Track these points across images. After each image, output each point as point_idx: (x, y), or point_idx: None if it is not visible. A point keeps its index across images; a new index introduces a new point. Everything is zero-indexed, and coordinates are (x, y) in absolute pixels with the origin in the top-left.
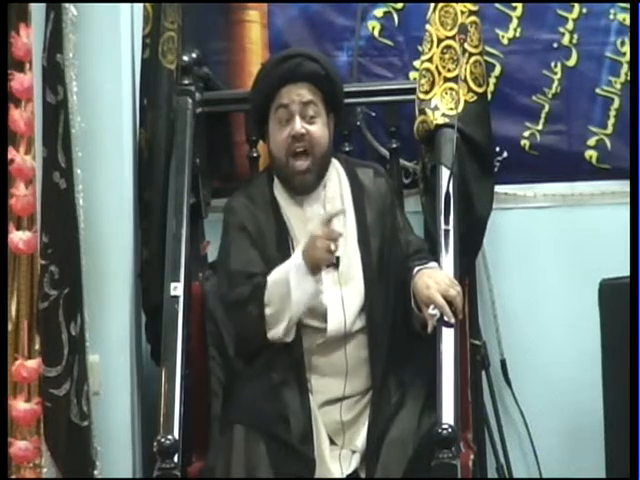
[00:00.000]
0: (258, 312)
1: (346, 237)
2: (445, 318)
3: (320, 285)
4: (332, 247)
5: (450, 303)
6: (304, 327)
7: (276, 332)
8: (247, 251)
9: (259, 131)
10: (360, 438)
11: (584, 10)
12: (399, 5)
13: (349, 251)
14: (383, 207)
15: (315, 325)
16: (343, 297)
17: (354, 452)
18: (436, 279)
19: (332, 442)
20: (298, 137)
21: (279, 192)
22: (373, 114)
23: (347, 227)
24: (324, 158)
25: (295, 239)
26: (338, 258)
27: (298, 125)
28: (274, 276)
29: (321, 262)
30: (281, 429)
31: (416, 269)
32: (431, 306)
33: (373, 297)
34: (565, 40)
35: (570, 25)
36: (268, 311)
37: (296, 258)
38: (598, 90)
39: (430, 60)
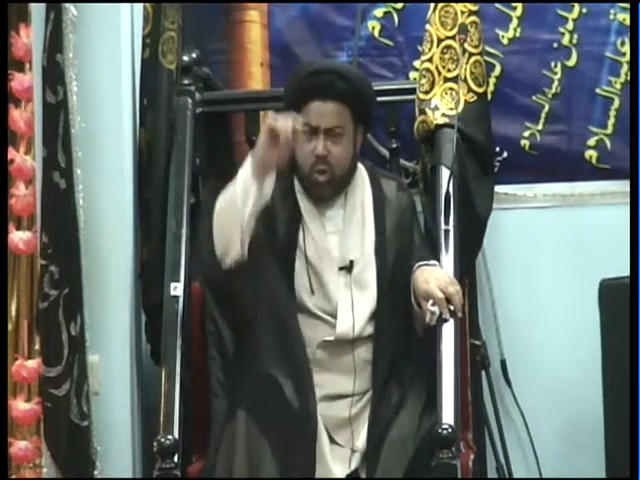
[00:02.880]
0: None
1: (363, 243)
2: (443, 315)
3: (267, 191)
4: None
5: (449, 301)
6: (309, 316)
7: (229, 257)
8: None
9: None
10: (360, 438)
11: (584, 10)
12: (399, 5)
13: (365, 258)
14: (402, 221)
15: (321, 315)
16: (354, 301)
17: (354, 452)
18: (436, 275)
19: (332, 441)
20: (321, 158)
21: (298, 188)
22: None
23: (366, 233)
24: (345, 176)
25: (308, 232)
26: (352, 262)
27: (321, 147)
28: (222, 199)
29: (264, 161)
30: (282, 417)
31: (417, 265)
32: (430, 301)
33: (384, 306)
34: (565, 40)
35: (570, 25)
36: (217, 231)
37: (245, 169)
38: (598, 90)
39: (430, 60)
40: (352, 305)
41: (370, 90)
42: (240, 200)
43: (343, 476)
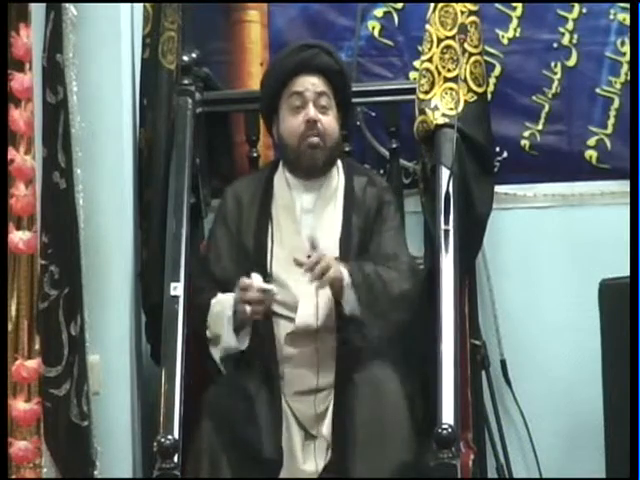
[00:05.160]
0: (203, 329)
1: (330, 233)
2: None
3: (244, 341)
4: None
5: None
6: (277, 316)
7: (213, 353)
8: (218, 249)
9: (267, 119)
10: (327, 427)
11: (584, 10)
12: (399, 5)
13: (330, 247)
14: (367, 217)
15: (287, 314)
16: (318, 293)
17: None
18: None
19: (309, 434)
20: (311, 123)
21: (278, 178)
22: (373, 114)
23: (333, 225)
24: (333, 149)
25: (277, 226)
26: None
27: (312, 112)
28: (215, 308)
29: (245, 317)
30: (248, 431)
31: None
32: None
33: None
34: (565, 40)
35: (570, 25)
36: (207, 333)
37: (230, 307)
38: (598, 90)
39: (430, 60)
40: (316, 295)
41: (349, 72)
42: (224, 341)
43: (317, 469)
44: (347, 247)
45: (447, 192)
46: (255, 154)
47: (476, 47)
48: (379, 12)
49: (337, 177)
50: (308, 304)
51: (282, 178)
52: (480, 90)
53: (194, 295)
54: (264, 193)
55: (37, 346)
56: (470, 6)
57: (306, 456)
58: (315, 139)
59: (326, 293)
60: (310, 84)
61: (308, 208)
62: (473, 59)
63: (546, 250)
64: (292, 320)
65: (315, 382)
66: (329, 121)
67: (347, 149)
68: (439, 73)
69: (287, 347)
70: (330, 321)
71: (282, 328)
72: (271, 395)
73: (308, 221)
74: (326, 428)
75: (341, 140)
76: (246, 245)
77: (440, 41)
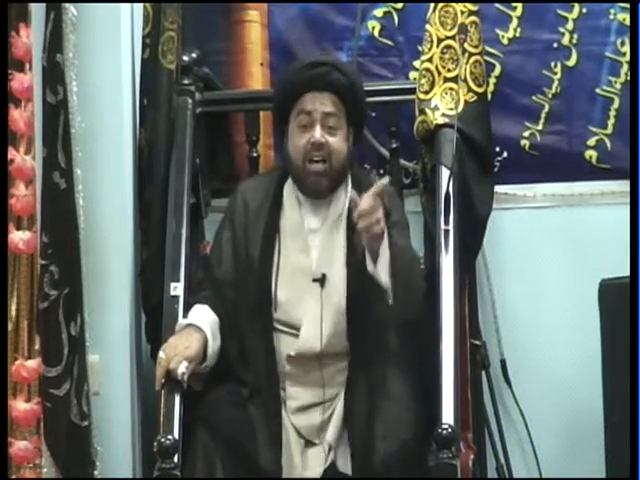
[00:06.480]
0: None
1: (337, 255)
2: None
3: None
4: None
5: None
6: (279, 332)
7: None
8: (221, 249)
9: (280, 129)
10: (331, 432)
11: (584, 10)
12: (399, 5)
13: (337, 272)
14: None
15: (289, 331)
16: (323, 317)
17: (330, 448)
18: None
19: (309, 442)
20: (317, 145)
21: (288, 192)
22: (373, 114)
23: (339, 244)
24: (341, 170)
25: (283, 243)
26: (324, 275)
27: (318, 134)
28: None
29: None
30: (246, 442)
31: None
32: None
33: (357, 321)
34: (565, 40)
35: (570, 25)
36: None
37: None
38: (598, 90)
39: (430, 60)
40: (321, 321)
41: (363, 88)
42: None
43: (315, 474)
44: (354, 268)
45: (447, 192)
46: (255, 154)
47: (476, 47)
48: (379, 12)
49: (344, 195)
50: (312, 327)
51: (292, 192)
52: (480, 90)
53: (191, 289)
54: (273, 204)
55: (37, 346)
56: (470, 6)
57: (305, 462)
58: (319, 167)
59: (330, 315)
60: (319, 104)
61: (315, 228)
62: (473, 59)
63: (546, 250)
64: (294, 335)
65: (320, 397)
66: (336, 142)
67: None
68: (439, 73)
69: (288, 366)
70: (336, 343)
71: (283, 343)
72: (271, 408)
73: (315, 242)
74: (330, 434)
75: (350, 159)
76: (252, 255)
77: (440, 41)
